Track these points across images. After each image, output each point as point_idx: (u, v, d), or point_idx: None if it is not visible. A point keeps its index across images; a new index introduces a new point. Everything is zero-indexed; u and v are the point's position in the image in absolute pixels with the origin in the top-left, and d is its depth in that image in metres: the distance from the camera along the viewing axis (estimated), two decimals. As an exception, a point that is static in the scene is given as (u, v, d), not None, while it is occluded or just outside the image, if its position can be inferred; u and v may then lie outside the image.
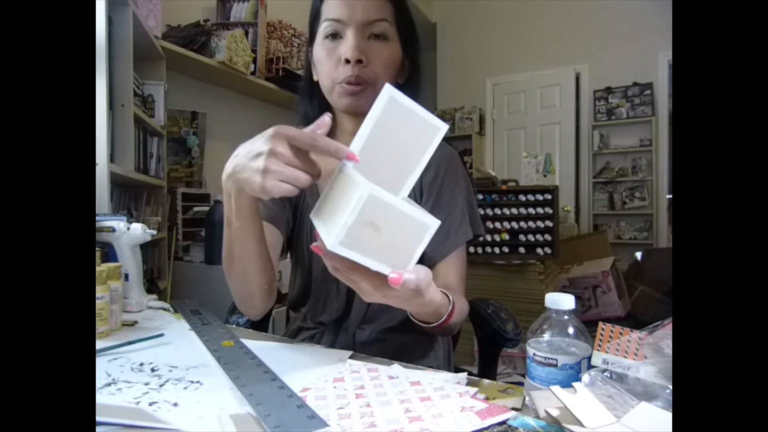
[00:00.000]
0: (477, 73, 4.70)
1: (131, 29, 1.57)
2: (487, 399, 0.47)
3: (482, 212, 2.21)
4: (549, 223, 2.18)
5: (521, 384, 0.51)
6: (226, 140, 2.59)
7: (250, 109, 2.83)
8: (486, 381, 0.53)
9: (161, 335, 0.67)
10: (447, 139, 0.62)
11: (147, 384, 0.51)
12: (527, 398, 0.47)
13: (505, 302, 0.95)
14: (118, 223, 0.87)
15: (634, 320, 2.50)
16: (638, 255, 3.34)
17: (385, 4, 0.74)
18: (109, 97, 1.40)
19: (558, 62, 4.32)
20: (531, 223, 2.20)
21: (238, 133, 2.68)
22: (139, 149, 1.74)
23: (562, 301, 0.48)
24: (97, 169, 1.29)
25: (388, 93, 0.48)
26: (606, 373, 0.45)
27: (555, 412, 0.42)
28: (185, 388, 0.50)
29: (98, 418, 0.41)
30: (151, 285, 1.76)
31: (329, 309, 0.81)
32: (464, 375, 0.53)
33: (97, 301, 0.68)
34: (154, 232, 0.94)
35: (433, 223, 0.46)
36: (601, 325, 0.47)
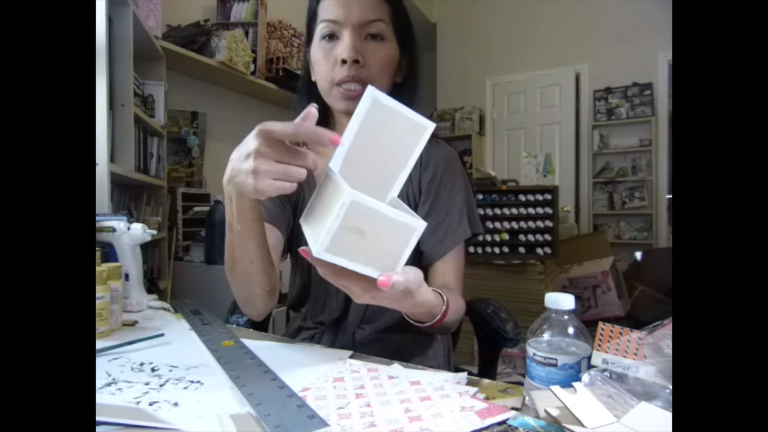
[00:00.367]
0: (477, 73, 4.70)
1: (131, 29, 1.57)
2: (487, 399, 0.47)
3: (482, 212, 2.21)
4: (549, 223, 2.18)
5: (521, 384, 0.51)
6: (226, 140, 2.59)
7: (250, 109, 2.83)
8: (486, 381, 0.53)
9: (161, 335, 0.67)
10: (447, 139, 0.62)
11: (147, 384, 0.51)
12: (527, 398, 0.47)
13: (505, 302, 0.95)
14: (119, 223, 0.87)
15: (634, 320, 2.51)
16: (638, 255, 3.34)
17: (382, 4, 0.74)
18: (109, 97, 1.40)
19: (558, 62, 4.32)
20: (531, 223, 2.20)
21: (238, 133, 2.65)
22: (139, 149, 1.74)
23: (562, 301, 0.48)
24: (97, 169, 1.29)
25: (371, 95, 0.48)
26: (606, 373, 0.45)
27: (555, 412, 0.42)
28: (185, 387, 0.50)
29: (98, 418, 0.41)
30: (151, 285, 1.76)
31: (328, 309, 0.81)
32: (464, 375, 0.53)
33: (98, 301, 0.68)
34: (154, 232, 0.94)
35: (419, 225, 0.46)
36: (600, 325, 0.47)
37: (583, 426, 0.39)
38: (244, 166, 0.49)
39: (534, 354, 0.48)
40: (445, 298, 0.63)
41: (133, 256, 0.88)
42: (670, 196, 4.01)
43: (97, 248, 0.79)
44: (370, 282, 0.47)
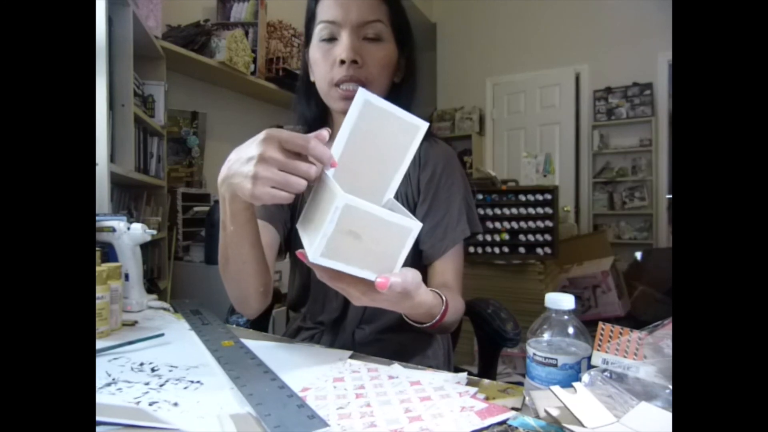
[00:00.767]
0: (477, 73, 4.70)
1: (131, 29, 1.57)
2: (487, 399, 0.47)
3: (482, 212, 2.21)
4: (549, 223, 2.18)
5: (521, 384, 0.51)
6: (226, 140, 2.59)
7: (250, 109, 2.83)
8: (486, 381, 0.53)
9: (161, 335, 0.67)
10: (446, 139, 0.62)
11: (147, 384, 0.51)
12: (527, 398, 0.47)
13: (505, 302, 0.95)
14: (118, 223, 0.87)
15: (634, 320, 2.50)
16: (638, 255, 3.34)
17: (380, 4, 0.74)
18: (109, 97, 1.40)
19: (558, 62, 4.32)
20: (531, 223, 2.20)
21: (238, 133, 2.67)
22: (139, 149, 1.74)
23: (562, 301, 0.48)
24: (97, 169, 1.29)
25: (363, 97, 0.48)
26: (606, 373, 0.45)
27: (555, 412, 0.42)
28: (185, 388, 0.50)
29: (98, 418, 0.41)
30: (151, 285, 1.76)
31: (328, 309, 0.81)
32: (464, 375, 0.53)
33: (98, 301, 0.68)
34: (154, 232, 0.94)
35: (414, 226, 0.46)
36: (601, 325, 0.47)
37: (583, 426, 0.39)
38: (244, 169, 0.49)
39: (534, 354, 0.48)
40: (444, 298, 0.63)
41: (133, 256, 0.88)
42: (670, 196, 4.01)
43: (97, 248, 0.79)
44: (367, 284, 0.47)
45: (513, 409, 0.45)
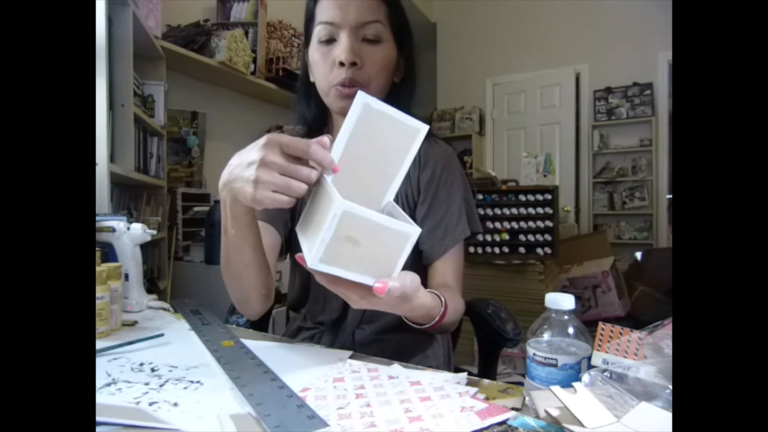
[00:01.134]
0: (477, 73, 4.70)
1: (131, 29, 1.57)
2: (487, 399, 0.47)
3: (482, 212, 2.21)
4: (549, 223, 2.18)
5: (521, 384, 0.51)
6: (226, 140, 2.59)
7: (250, 109, 2.83)
8: (486, 381, 0.53)
9: (161, 335, 0.67)
10: (447, 139, 0.62)
11: (147, 384, 0.51)
12: (527, 398, 0.47)
13: (505, 302, 0.95)
14: (118, 223, 0.87)
15: (634, 320, 2.50)
16: (638, 255, 3.33)
17: (379, 4, 0.74)
18: (109, 97, 1.40)
19: (558, 62, 4.32)
20: (531, 223, 2.20)
21: (238, 133, 2.68)
22: (139, 149, 1.74)
23: (562, 301, 0.48)
24: (97, 169, 1.29)
25: (362, 100, 0.48)
26: (606, 373, 0.45)
27: (555, 412, 0.42)
28: (185, 388, 0.50)
29: (98, 418, 0.41)
30: (151, 285, 1.76)
31: (328, 309, 0.81)
32: (464, 375, 0.53)
33: (97, 301, 0.67)
34: (154, 232, 0.94)
35: (413, 232, 0.46)
36: (601, 325, 0.47)
37: (583, 426, 0.39)
38: (245, 173, 0.49)
39: (534, 354, 0.48)
40: (443, 299, 0.64)
41: (133, 256, 0.88)
42: (670, 196, 4.01)
43: (97, 248, 0.79)
44: (366, 288, 0.47)
45: (513, 409, 0.45)
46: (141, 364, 0.57)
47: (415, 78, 0.82)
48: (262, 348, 0.63)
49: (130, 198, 1.78)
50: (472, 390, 0.49)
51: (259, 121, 2.88)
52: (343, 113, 0.77)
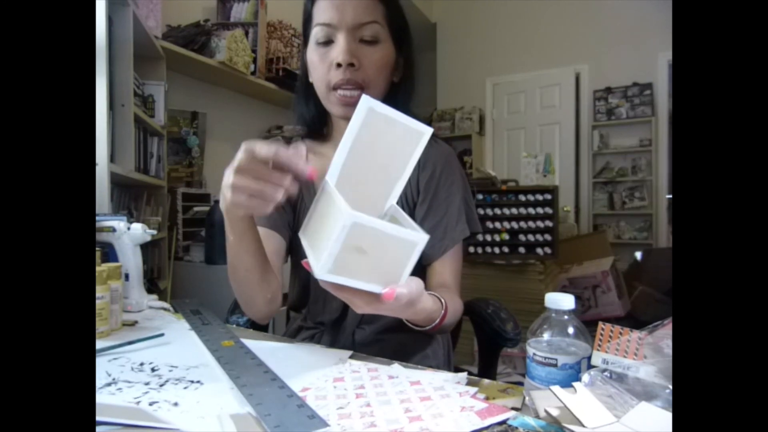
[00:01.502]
0: (477, 73, 4.70)
1: (131, 29, 1.57)
2: (487, 399, 0.47)
3: (482, 212, 2.21)
4: (549, 223, 2.18)
5: (521, 384, 0.51)
6: (226, 140, 2.59)
7: (250, 109, 2.83)
8: (486, 381, 0.53)
9: (161, 335, 0.67)
10: (446, 139, 0.62)
11: (147, 384, 0.51)
12: (527, 398, 0.47)
13: (505, 302, 0.95)
14: (119, 223, 0.87)
15: (634, 320, 2.50)
16: (638, 255, 3.33)
17: (376, 5, 0.74)
18: (109, 97, 1.40)
19: (558, 62, 4.32)
20: (531, 223, 2.20)
21: (238, 133, 2.68)
22: (139, 149, 1.74)
23: (562, 301, 0.48)
24: (97, 169, 1.29)
25: (367, 104, 0.48)
26: (606, 373, 0.45)
27: (555, 412, 0.42)
28: (185, 387, 0.50)
29: (98, 418, 0.41)
30: (151, 285, 1.76)
31: (328, 309, 0.81)
32: (464, 375, 0.53)
33: (98, 301, 0.67)
34: (154, 232, 0.94)
35: (420, 240, 0.46)
36: (601, 325, 0.47)
37: (583, 426, 0.39)
38: (226, 179, 0.51)
39: (534, 354, 0.48)
40: (443, 301, 0.64)
41: (133, 256, 0.88)
42: (670, 196, 4.01)
43: (97, 248, 0.79)
44: (372, 294, 0.47)
45: (513, 409, 0.45)
46: (141, 364, 0.57)
47: (414, 78, 0.82)
48: (262, 348, 0.63)
49: (131, 198, 1.78)
50: (472, 390, 0.49)
51: (259, 121, 2.88)
52: (343, 117, 0.77)
